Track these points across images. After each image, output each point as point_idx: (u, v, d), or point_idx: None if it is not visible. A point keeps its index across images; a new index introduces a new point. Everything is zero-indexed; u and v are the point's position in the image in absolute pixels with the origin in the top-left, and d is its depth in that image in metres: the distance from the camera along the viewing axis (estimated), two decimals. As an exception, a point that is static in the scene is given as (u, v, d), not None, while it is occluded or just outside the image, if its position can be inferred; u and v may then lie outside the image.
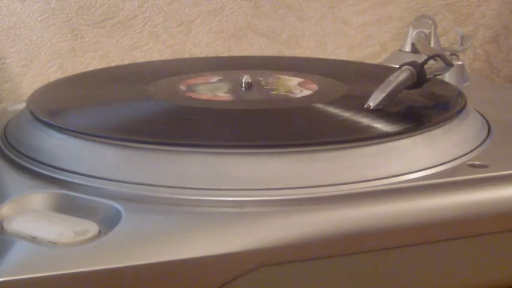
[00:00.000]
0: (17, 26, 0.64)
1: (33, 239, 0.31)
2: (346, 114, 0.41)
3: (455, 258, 0.36)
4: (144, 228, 0.32)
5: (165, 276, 0.30)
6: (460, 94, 0.47)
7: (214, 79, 0.51)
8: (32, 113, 0.42)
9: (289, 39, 0.73)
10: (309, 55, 0.73)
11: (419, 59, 0.45)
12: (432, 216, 0.35)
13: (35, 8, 0.64)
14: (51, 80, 0.62)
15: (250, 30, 0.71)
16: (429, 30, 0.61)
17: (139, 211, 0.33)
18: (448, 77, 0.56)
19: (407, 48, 0.62)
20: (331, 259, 0.33)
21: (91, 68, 0.66)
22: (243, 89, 0.48)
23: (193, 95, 0.46)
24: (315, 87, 0.48)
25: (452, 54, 0.61)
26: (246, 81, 0.48)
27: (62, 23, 0.66)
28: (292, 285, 0.33)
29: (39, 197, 0.35)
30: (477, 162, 0.38)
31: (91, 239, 0.31)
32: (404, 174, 0.36)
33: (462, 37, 0.61)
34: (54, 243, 0.31)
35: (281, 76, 0.52)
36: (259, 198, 0.34)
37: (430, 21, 0.62)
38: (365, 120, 0.40)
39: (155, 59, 0.68)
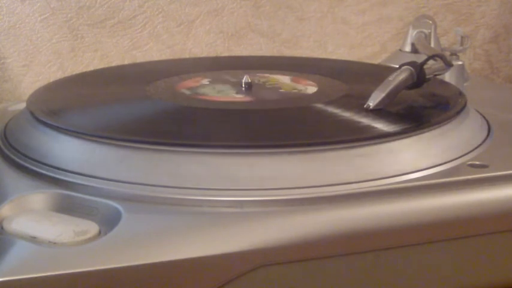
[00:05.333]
0: (17, 26, 0.64)
1: (33, 239, 0.31)
2: (346, 114, 0.41)
3: (455, 258, 0.36)
4: (144, 228, 0.32)
5: (165, 276, 0.30)
6: (460, 94, 0.47)
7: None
8: (32, 113, 0.42)
9: (289, 39, 0.73)
10: (309, 55, 0.73)
11: (419, 59, 0.45)
12: (432, 216, 0.35)
13: (35, 8, 0.64)
14: (51, 80, 0.62)
15: (250, 30, 0.71)
16: (429, 30, 0.61)
17: (139, 211, 0.33)
18: (448, 77, 0.56)
19: (407, 48, 0.62)
20: (331, 259, 0.33)
21: (91, 68, 0.66)
22: (243, 89, 0.48)
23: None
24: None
25: (452, 54, 0.61)
26: (246, 81, 0.48)
27: (62, 23, 0.66)
28: (292, 285, 0.33)
29: (39, 197, 0.35)
30: (477, 162, 0.38)
31: (91, 239, 0.31)
32: (404, 174, 0.36)
33: (462, 37, 0.61)
34: (54, 243, 0.31)
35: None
36: (259, 198, 0.34)
37: (430, 21, 0.62)
38: (365, 120, 0.40)
39: (155, 59, 0.68)
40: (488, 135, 0.43)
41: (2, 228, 0.32)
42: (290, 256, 0.32)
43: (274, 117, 0.42)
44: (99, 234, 0.32)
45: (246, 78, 0.48)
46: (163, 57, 0.69)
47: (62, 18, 0.65)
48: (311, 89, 0.48)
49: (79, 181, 0.35)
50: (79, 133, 0.38)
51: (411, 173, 0.36)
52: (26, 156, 0.39)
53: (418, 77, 0.42)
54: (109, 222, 0.32)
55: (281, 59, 0.66)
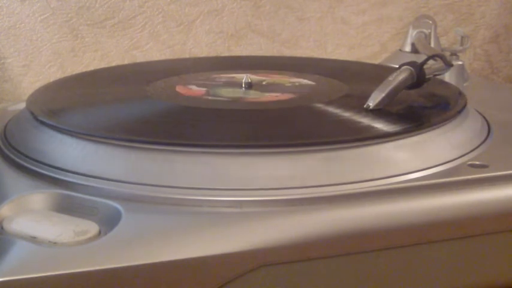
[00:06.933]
0: (17, 26, 0.64)
1: (33, 239, 0.31)
2: (346, 114, 0.41)
3: (455, 258, 0.36)
4: (144, 228, 0.32)
5: (165, 276, 0.30)
6: (460, 94, 0.47)
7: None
8: (32, 113, 0.42)
9: (289, 39, 0.73)
10: (309, 55, 0.73)
11: (419, 59, 0.45)
12: (432, 216, 0.35)
13: (35, 8, 0.65)
14: (51, 80, 0.62)
15: (250, 30, 0.71)
16: (429, 30, 0.61)
17: (139, 211, 0.33)
18: (448, 77, 0.56)
19: (407, 48, 0.62)
20: (331, 259, 0.33)
21: (91, 68, 0.66)
22: (243, 89, 0.48)
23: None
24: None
25: (452, 54, 0.61)
26: (246, 81, 0.48)
27: (62, 23, 0.66)
28: (292, 285, 0.33)
29: (39, 197, 0.35)
30: (477, 162, 0.38)
31: (91, 239, 0.31)
32: (404, 174, 0.36)
33: (462, 37, 0.61)
34: (54, 243, 0.31)
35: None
36: (259, 198, 0.34)
37: (430, 21, 0.62)
38: (365, 120, 0.40)
39: (155, 59, 0.68)
40: (488, 135, 0.43)
41: (2, 228, 0.32)
42: (290, 256, 0.32)
43: (274, 117, 0.42)
44: (99, 234, 0.32)
45: (246, 78, 0.48)
46: (163, 57, 0.69)
47: (62, 18, 0.65)
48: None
49: (79, 181, 0.35)
50: (79, 133, 0.38)
51: (411, 173, 0.36)
52: (26, 156, 0.39)
53: (418, 77, 0.42)
54: (109, 222, 0.32)
55: (281, 59, 0.66)
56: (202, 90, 0.47)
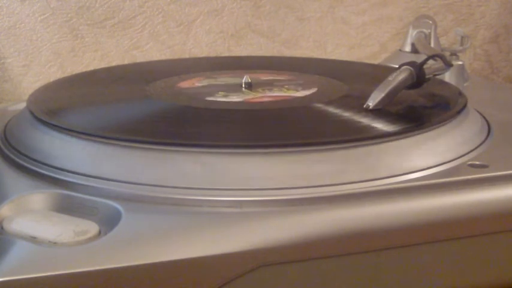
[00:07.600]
0: (17, 26, 0.64)
1: (33, 239, 0.31)
2: (346, 114, 0.41)
3: (455, 258, 0.36)
4: (144, 228, 0.32)
5: (165, 276, 0.30)
6: (460, 94, 0.47)
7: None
8: (32, 113, 0.42)
9: (289, 39, 0.73)
10: (309, 55, 0.73)
11: (419, 59, 0.45)
12: (432, 216, 0.35)
13: (35, 8, 0.65)
14: (51, 80, 0.62)
15: (250, 30, 0.71)
16: (429, 30, 0.61)
17: (139, 211, 0.33)
18: (448, 77, 0.56)
19: (407, 48, 0.62)
20: (331, 259, 0.33)
21: (91, 68, 0.66)
22: (243, 89, 0.48)
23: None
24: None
25: (452, 54, 0.61)
26: (246, 81, 0.48)
27: (62, 23, 0.66)
28: (292, 285, 0.33)
29: (39, 197, 0.35)
30: (477, 162, 0.38)
31: (91, 239, 0.31)
32: (404, 174, 0.36)
33: (462, 37, 0.61)
34: (54, 243, 0.31)
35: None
36: (259, 198, 0.34)
37: (430, 21, 0.62)
38: (365, 120, 0.40)
39: (155, 59, 0.68)
40: (488, 135, 0.43)
41: (2, 228, 0.32)
42: (290, 256, 0.32)
43: (274, 117, 0.42)
44: (99, 234, 0.32)
45: (246, 78, 0.48)
46: (163, 57, 0.69)
47: (62, 18, 0.65)
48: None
49: (79, 181, 0.35)
50: (79, 133, 0.38)
51: (411, 173, 0.36)
52: (26, 156, 0.39)
53: (418, 77, 0.42)
54: (109, 222, 0.32)
55: (281, 59, 0.66)
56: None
